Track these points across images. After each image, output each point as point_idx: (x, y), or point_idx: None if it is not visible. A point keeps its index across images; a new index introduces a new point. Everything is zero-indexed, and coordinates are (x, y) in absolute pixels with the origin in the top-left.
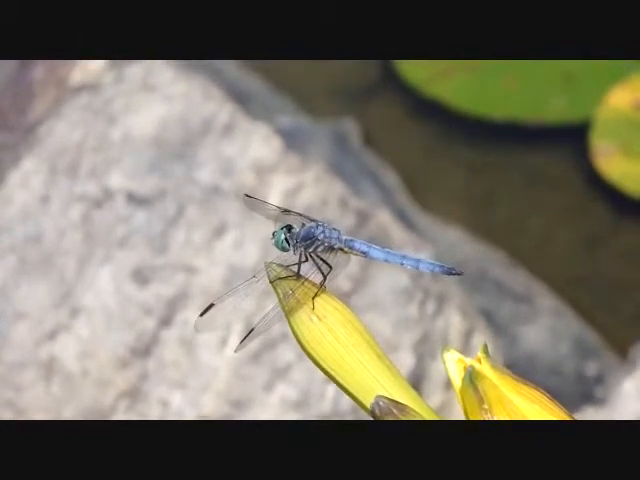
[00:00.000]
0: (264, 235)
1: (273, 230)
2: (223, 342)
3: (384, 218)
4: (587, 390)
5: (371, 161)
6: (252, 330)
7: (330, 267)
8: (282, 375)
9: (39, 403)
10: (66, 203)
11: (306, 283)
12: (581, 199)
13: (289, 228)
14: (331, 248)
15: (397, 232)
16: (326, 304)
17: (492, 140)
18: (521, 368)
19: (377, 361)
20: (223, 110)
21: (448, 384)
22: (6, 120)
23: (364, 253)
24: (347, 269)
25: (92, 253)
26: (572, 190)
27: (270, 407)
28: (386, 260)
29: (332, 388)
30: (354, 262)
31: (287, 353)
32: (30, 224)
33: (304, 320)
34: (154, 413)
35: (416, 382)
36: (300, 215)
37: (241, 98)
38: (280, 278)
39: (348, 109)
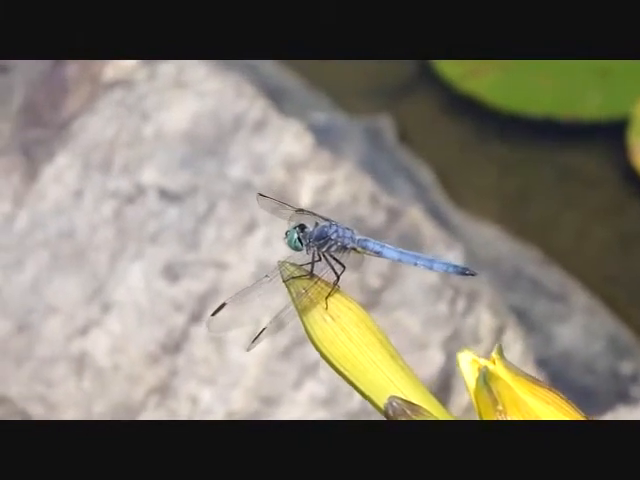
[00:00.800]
0: None
1: (286, 230)
2: (252, 338)
3: (415, 215)
4: (622, 389)
5: (405, 158)
6: (264, 329)
7: (343, 267)
8: (311, 372)
9: (70, 398)
10: (99, 199)
11: (319, 282)
12: (617, 197)
13: (302, 227)
14: (344, 248)
15: (428, 229)
16: (339, 304)
17: (527, 137)
18: (555, 366)
19: (390, 361)
20: (255, 107)
21: None
22: (40, 116)
23: (377, 253)
24: (377, 266)
25: (124, 249)
26: (608, 187)
27: (299, 404)
28: (400, 260)
29: None
30: (384, 260)
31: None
32: (63, 219)
33: (317, 320)
34: (184, 409)
35: (446, 380)
36: (314, 215)
37: (276, 95)
38: (293, 277)
39: (383, 106)
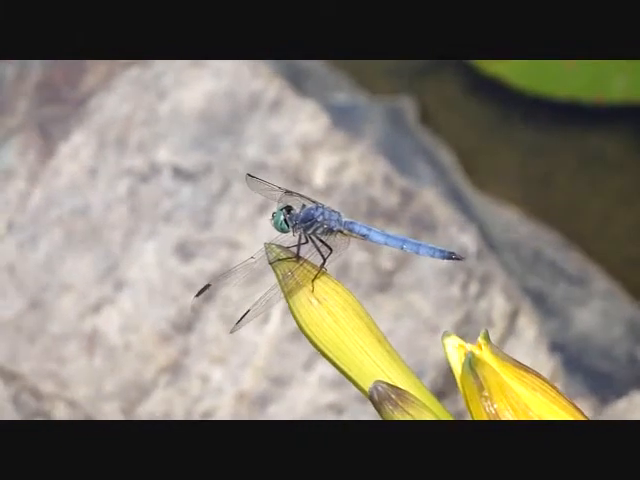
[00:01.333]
0: None
1: (273, 211)
2: (264, 319)
3: (429, 197)
4: (639, 374)
5: (426, 139)
6: (248, 311)
7: (330, 249)
8: None
9: (81, 376)
10: (113, 177)
11: (306, 265)
12: None
13: (289, 209)
14: (330, 230)
15: (442, 211)
16: (326, 287)
17: (551, 120)
18: (573, 351)
19: (377, 345)
20: (271, 86)
21: None
22: (57, 93)
23: (364, 236)
24: (392, 248)
25: (138, 227)
26: (632, 171)
27: (309, 385)
28: (386, 243)
29: None
30: None
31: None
32: (78, 197)
33: (303, 303)
34: (194, 389)
35: None
36: (302, 197)
37: (297, 75)
38: (280, 259)
39: (406, 86)
